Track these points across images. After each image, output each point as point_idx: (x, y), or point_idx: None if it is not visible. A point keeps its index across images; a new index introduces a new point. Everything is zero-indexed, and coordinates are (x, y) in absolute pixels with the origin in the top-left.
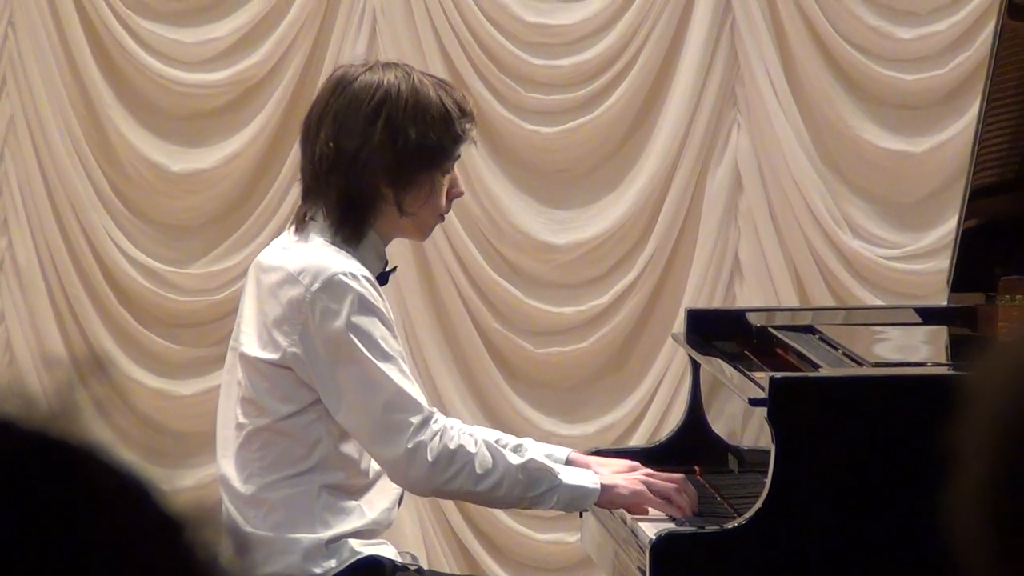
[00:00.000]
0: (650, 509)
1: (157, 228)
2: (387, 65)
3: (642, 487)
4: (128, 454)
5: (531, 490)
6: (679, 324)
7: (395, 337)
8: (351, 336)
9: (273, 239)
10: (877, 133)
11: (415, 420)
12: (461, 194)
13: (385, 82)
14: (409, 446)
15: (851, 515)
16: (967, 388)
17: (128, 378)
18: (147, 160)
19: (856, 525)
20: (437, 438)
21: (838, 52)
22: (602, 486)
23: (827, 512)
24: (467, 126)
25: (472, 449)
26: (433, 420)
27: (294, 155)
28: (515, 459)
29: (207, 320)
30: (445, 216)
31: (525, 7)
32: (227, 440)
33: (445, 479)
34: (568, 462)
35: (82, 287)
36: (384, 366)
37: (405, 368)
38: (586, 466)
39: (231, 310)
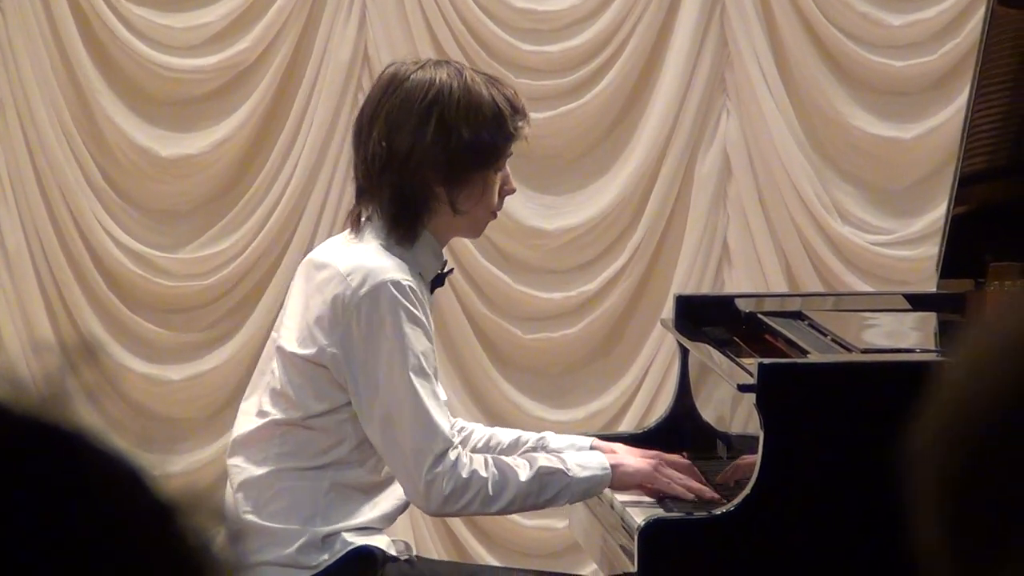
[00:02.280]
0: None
1: (146, 213)
2: (439, 63)
3: (649, 468)
4: (118, 440)
5: (543, 495)
6: (668, 310)
7: (434, 352)
8: (391, 348)
9: (263, 224)
10: (867, 119)
11: (436, 451)
12: (513, 191)
13: (437, 80)
14: (427, 478)
15: (839, 501)
16: (933, 379)
17: (117, 363)
18: (136, 145)
19: (844, 511)
20: (452, 468)
21: (828, 38)
22: (611, 466)
23: (815, 498)
24: (519, 123)
25: (484, 473)
26: (451, 449)
27: (283, 140)
28: (524, 473)
29: (197, 305)
30: (497, 213)
31: None
32: (246, 425)
33: (460, 507)
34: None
35: (71, 272)
36: (417, 384)
37: (438, 390)
38: (609, 453)
39: (220, 295)
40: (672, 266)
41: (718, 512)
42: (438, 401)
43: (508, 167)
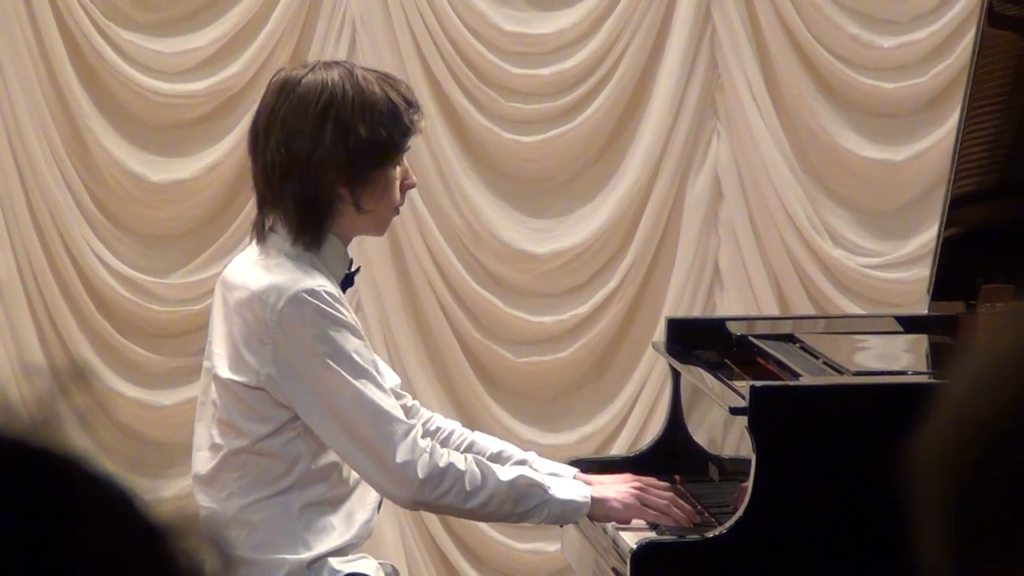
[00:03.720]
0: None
1: (137, 238)
2: (328, 64)
3: (635, 501)
4: (109, 464)
5: (520, 505)
6: (659, 333)
7: (367, 347)
8: (323, 355)
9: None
10: (857, 141)
11: (398, 435)
12: (414, 184)
13: (330, 82)
14: (398, 462)
15: (832, 524)
16: (933, 398)
17: (108, 388)
18: (127, 170)
19: (837, 534)
20: (426, 455)
21: (818, 60)
22: (594, 499)
23: (808, 521)
24: (415, 117)
25: (462, 467)
26: (418, 434)
27: None
28: (505, 475)
29: (187, 330)
30: (400, 208)
31: (504, 16)
32: (204, 461)
33: (435, 496)
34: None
35: (62, 297)
36: (359, 382)
37: (381, 381)
38: (587, 484)
39: None
40: (663, 289)
41: (711, 535)
42: (384, 392)
43: (407, 161)
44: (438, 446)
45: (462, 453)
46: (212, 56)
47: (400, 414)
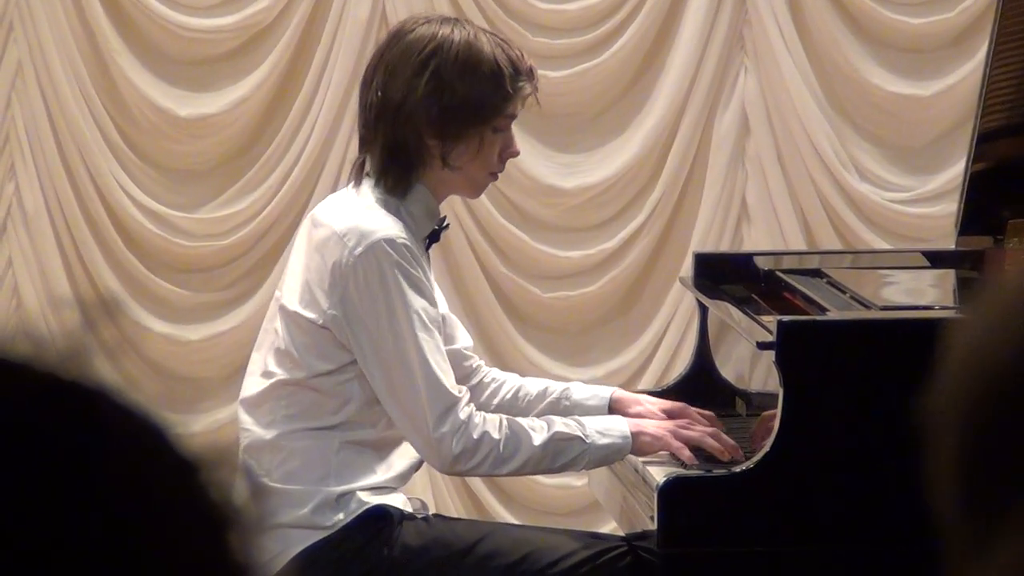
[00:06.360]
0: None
1: (164, 173)
2: (446, 19)
3: (670, 437)
4: (137, 399)
5: (559, 460)
6: (687, 268)
7: (435, 306)
8: (391, 306)
9: (281, 184)
10: (885, 76)
11: (440, 408)
12: (516, 154)
13: (439, 35)
14: (436, 436)
15: (858, 458)
16: (948, 337)
17: (136, 323)
18: (154, 105)
19: (864, 468)
20: (462, 427)
21: None
22: (632, 434)
23: (835, 455)
24: (520, 84)
25: (496, 435)
26: (459, 408)
27: (301, 100)
28: (539, 437)
29: (215, 265)
30: (499, 174)
31: None
32: (253, 386)
33: (471, 466)
34: (612, 401)
35: (89, 232)
36: (421, 341)
37: (439, 344)
38: (632, 403)
39: (239, 255)
40: (691, 224)
41: (738, 470)
42: (441, 355)
43: (512, 129)
44: (475, 415)
45: (511, 403)
46: None
47: (450, 383)
